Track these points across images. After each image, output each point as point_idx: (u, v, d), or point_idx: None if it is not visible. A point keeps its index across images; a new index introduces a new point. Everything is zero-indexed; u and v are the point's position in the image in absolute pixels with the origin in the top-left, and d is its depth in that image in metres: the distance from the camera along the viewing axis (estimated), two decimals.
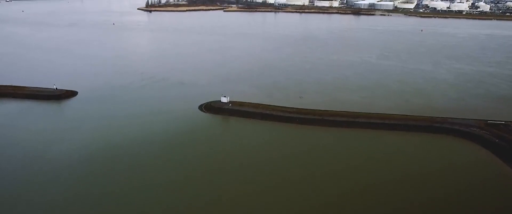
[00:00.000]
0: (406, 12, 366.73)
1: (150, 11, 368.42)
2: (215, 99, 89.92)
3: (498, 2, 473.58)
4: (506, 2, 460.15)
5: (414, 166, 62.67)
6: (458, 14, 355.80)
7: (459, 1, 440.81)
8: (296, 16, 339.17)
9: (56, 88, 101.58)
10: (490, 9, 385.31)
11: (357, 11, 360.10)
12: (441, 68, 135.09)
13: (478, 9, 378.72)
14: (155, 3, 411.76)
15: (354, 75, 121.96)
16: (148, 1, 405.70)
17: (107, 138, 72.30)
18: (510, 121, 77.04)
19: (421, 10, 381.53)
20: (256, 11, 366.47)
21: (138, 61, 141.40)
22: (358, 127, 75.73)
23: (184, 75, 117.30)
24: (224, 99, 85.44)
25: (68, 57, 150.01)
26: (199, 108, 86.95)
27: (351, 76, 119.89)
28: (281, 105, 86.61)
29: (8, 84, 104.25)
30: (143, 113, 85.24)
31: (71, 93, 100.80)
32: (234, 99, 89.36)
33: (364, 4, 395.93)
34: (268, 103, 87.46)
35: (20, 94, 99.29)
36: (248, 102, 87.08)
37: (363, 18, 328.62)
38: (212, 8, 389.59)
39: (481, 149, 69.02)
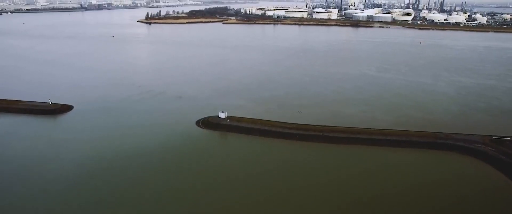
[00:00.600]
0: (404, 24, 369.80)
1: (150, 23, 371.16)
2: (212, 114, 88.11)
3: (494, 15, 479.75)
4: (502, 14, 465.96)
5: (418, 183, 60.46)
6: (456, 26, 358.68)
7: (456, 14, 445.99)
8: (295, 28, 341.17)
9: (51, 102, 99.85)
10: (487, 22, 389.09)
11: (356, 24, 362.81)
12: (441, 81, 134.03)
13: (475, 22, 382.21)
14: (155, 15, 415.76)
15: (354, 88, 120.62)
16: (148, 13, 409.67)
17: (102, 154, 70.32)
18: None
19: (419, 22, 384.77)
20: (255, 23, 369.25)
21: (135, 74, 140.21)
22: (360, 143, 73.68)
23: (181, 89, 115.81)
24: (221, 115, 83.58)
25: (65, 70, 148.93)
26: (196, 123, 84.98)
27: (351, 90, 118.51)
28: (280, 120, 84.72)
29: (2, 99, 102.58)
30: (139, 128, 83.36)
31: (67, 108, 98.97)
32: (232, 114, 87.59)
33: (363, 16, 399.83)
34: (267, 119, 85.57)
35: (14, 108, 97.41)
36: (246, 118, 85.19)
37: (361, 30, 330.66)
38: (211, 20, 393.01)
39: (486, 166, 66.88)
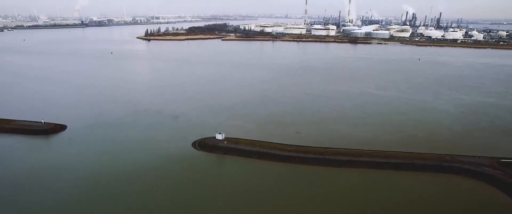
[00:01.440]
0: (402, 40, 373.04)
1: (149, 40, 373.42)
2: (209, 135, 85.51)
3: (490, 31, 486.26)
4: (498, 31, 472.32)
5: (425, 209, 57.42)
6: (453, 42, 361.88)
7: (452, 30, 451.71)
8: (293, 45, 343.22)
9: (43, 122, 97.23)
10: (483, 38, 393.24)
11: (354, 40, 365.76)
12: (442, 99, 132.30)
13: (472, 38, 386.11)
14: (154, 32, 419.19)
15: (353, 107, 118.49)
16: (147, 30, 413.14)
17: (94, 178, 67.40)
18: None
19: (416, 39, 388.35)
20: (254, 40, 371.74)
21: (132, 92, 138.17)
22: (362, 166, 70.77)
23: (178, 108, 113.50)
24: (219, 136, 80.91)
25: (60, 88, 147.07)
26: (192, 145, 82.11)
27: (350, 109, 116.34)
28: (278, 142, 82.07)
29: None
30: (133, 150, 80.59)
31: (60, 128, 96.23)
32: (229, 135, 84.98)
33: (361, 33, 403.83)
34: (265, 140, 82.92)
35: (5, 128, 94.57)
36: (244, 140, 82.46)
37: (360, 46, 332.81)
38: (210, 37, 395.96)
39: (495, 191, 63.87)
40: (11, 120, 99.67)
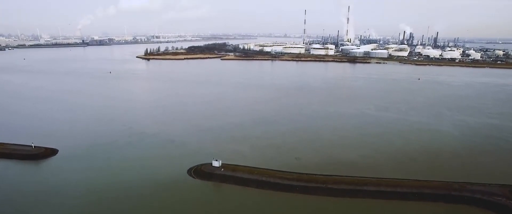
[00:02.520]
0: (401, 59, 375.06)
1: (148, 59, 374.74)
2: (205, 161, 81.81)
3: (486, 50, 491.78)
4: (494, 50, 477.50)
5: None
6: (452, 62, 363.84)
7: (449, 49, 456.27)
8: (292, 64, 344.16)
9: (33, 146, 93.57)
10: (481, 57, 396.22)
11: (353, 59, 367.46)
12: (444, 121, 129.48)
13: (470, 57, 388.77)
14: (154, 51, 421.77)
15: (354, 130, 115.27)
16: (147, 49, 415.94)
17: (84, 206, 63.94)
18: None
19: (415, 58, 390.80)
20: (253, 59, 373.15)
21: (127, 114, 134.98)
22: (367, 196, 66.76)
23: (174, 131, 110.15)
24: (215, 163, 77.17)
25: (54, 108, 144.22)
26: (188, 172, 78.21)
27: (351, 132, 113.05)
28: (278, 168, 78.29)
29: None
30: (126, 177, 76.68)
31: (50, 152, 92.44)
32: (227, 161, 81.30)
33: (359, 52, 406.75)
34: (264, 167, 79.16)
35: None
36: (242, 167, 78.66)
37: (359, 66, 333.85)
38: (209, 56, 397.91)
39: None
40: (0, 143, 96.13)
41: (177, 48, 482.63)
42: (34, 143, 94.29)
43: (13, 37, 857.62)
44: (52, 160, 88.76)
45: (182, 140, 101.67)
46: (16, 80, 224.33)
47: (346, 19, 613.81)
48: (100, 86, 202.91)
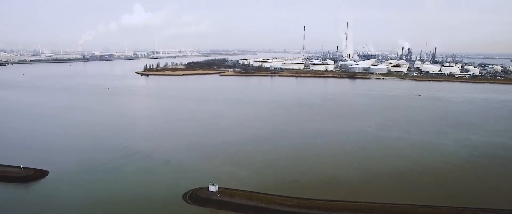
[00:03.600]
0: (400, 75, 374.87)
1: (148, 75, 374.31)
2: (201, 185, 78.24)
3: (485, 66, 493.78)
4: (493, 66, 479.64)
5: None
6: (451, 77, 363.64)
7: (448, 65, 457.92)
8: (292, 80, 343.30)
9: (22, 167, 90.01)
10: (480, 72, 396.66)
11: (353, 75, 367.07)
12: (448, 139, 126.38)
13: (469, 73, 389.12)
14: (153, 67, 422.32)
15: (355, 150, 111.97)
16: (146, 65, 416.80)
17: None
18: None
19: (414, 74, 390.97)
20: (252, 75, 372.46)
21: (122, 132, 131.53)
22: None
23: (170, 152, 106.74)
24: (212, 188, 73.60)
25: (47, 126, 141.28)
26: (183, 197, 74.47)
27: (352, 152, 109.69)
28: (277, 193, 74.69)
29: None
30: (119, 202, 73.16)
31: (41, 174, 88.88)
32: (224, 184, 77.82)
33: (359, 68, 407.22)
34: (263, 191, 75.59)
35: None
36: (240, 191, 75.02)
37: (358, 82, 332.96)
38: (209, 72, 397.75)
39: None
40: None
41: (176, 64, 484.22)
42: (23, 164, 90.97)
43: (15, 53, 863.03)
44: (42, 183, 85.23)
45: (178, 161, 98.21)
46: (12, 96, 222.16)
47: (345, 35, 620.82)
48: (97, 103, 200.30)
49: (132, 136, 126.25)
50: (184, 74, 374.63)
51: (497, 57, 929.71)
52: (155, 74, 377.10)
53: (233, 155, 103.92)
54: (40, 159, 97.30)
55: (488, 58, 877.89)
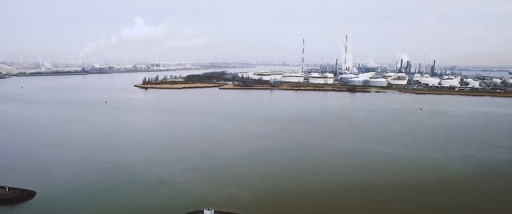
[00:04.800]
0: (400, 88, 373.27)
1: (146, 88, 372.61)
2: (196, 209, 74.12)
3: (483, 78, 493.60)
4: (492, 78, 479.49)
5: None
6: (451, 90, 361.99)
7: (447, 77, 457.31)
8: (291, 94, 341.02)
9: (8, 188, 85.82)
10: (479, 85, 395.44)
11: (353, 88, 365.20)
12: (452, 156, 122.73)
13: (469, 86, 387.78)
14: (152, 80, 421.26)
15: (357, 168, 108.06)
16: (145, 78, 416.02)
17: None
18: None
19: (414, 86, 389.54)
20: (251, 88, 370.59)
21: (115, 150, 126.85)
22: None
23: (164, 170, 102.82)
24: (207, 213, 69.45)
25: (38, 142, 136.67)
26: None
27: (354, 171, 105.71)
28: None
29: None
30: None
31: (27, 195, 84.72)
32: (220, 208, 73.69)
33: (359, 81, 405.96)
34: None
35: None
36: None
37: (358, 95, 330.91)
38: (208, 85, 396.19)
39: None
40: None
41: (175, 77, 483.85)
42: (9, 184, 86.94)
43: (16, 65, 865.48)
44: (29, 205, 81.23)
45: (172, 181, 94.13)
46: (9, 110, 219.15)
47: (344, 48, 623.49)
48: (92, 117, 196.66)
49: (126, 153, 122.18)
50: (183, 88, 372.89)
51: (495, 70, 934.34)
52: (154, 88, 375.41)
53: (229, 175, 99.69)
54: (28, 178, 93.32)
55: (486, 70, 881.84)
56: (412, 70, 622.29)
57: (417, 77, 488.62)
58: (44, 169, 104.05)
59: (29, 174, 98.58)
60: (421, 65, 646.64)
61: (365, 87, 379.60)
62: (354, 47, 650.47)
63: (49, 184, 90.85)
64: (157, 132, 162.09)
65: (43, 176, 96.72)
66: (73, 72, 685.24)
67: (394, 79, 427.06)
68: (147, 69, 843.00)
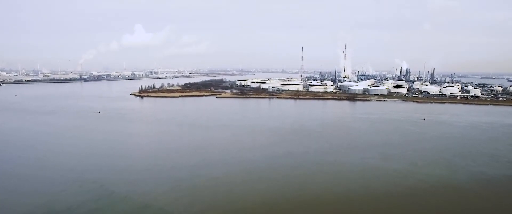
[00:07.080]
0: (401, 97, 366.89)
1: (142, 96, 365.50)
2: None
3: (484, 86, 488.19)
4: (492, 86, 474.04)
5: None
6: (453, 98, 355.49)
7: (447, 85, 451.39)
8: (290, 102, 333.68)
9: None
10: (481, 93, 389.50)
11: (353, 97, 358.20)
12: (460, 174, 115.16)
13: (470, 94, 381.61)
14: (149, 88, 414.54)
15: (359, 187, 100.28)
16: (141, 86, 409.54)
17: None
18: None
19: (415, 95, 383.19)
20: (250, 97, 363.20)
21: (101, 166, 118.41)
22: None
23: (151, 190, 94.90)
24: None
25: (21, 157, 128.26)
26: None
27: (356, 190, 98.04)
28: None
29: None
30: None
31: None
32: None
33: (359, 90, 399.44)
34: None
35: None
36: None
37: (359, 104, 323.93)
38: (205, 94, 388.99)
39: None
40: None
41: (173, 85, 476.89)
42: None
43: (14, 72, 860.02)
44: None
45: (159, 204, 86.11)
46: None
47: (344, 55, 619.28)
48: (81, 129, 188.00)
49: (111, 171, 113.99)
50: (179, 96, 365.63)
51: (494, 77, 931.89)
52: (150, 96, 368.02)
53: (222, 196, 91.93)
54: (2, 201, 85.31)
55: (485, 78, 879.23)
56: (412, 77, 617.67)
57: (417, 85, 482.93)
58: (18, 190, 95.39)
59: (4, 196, 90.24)
60: (420, 73, 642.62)
61: (365, 95, 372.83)
62: (353, 54, 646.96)
63: (24, 208, 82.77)
64: (146, 146, 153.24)
65: (16, 199, 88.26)
66: (70, 79, 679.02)
67: (394, 87, 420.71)
68: (145, 77, 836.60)
